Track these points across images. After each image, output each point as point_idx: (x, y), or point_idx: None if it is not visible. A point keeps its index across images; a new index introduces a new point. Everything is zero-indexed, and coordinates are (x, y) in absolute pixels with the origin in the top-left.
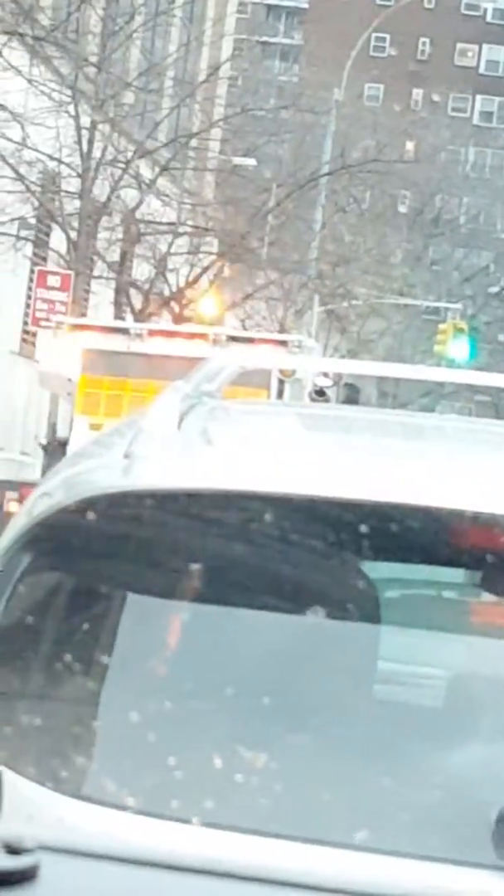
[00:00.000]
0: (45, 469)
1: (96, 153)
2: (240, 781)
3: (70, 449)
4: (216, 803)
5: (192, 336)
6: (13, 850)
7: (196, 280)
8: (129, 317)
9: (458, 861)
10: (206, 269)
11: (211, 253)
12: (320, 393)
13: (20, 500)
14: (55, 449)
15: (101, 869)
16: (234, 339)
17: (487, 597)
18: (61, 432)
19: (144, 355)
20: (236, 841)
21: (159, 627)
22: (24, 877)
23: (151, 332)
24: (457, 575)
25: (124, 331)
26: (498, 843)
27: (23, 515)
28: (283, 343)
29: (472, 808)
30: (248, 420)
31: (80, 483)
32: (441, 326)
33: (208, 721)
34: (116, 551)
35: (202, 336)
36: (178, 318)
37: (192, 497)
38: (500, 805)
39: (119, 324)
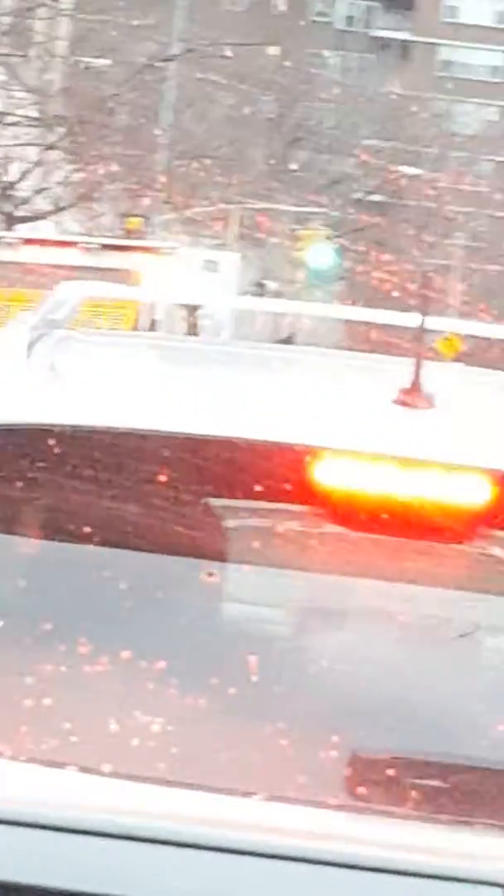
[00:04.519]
0: None
1: None
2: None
3: None
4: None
5: (64, 244)
6: None
7: (28, 175)
8: None
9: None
10: (37, 163)
11: (40, 145)
12: (191, 310)
13: None
14: None
15: (24, 835)
16: (107, 246)
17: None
18: None
19: (17, 264)
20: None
21: (5, 559)
22: None
23: (26, 241)
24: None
25: None
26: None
27: None
28: (156, 250)
29: (329, 743)
30: (94, 352)
31: None
32: (302, 233)
33: (54, 647)
34: None
35: (75, 245)
36: (10, 219)
37: (40, 432)
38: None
39: None
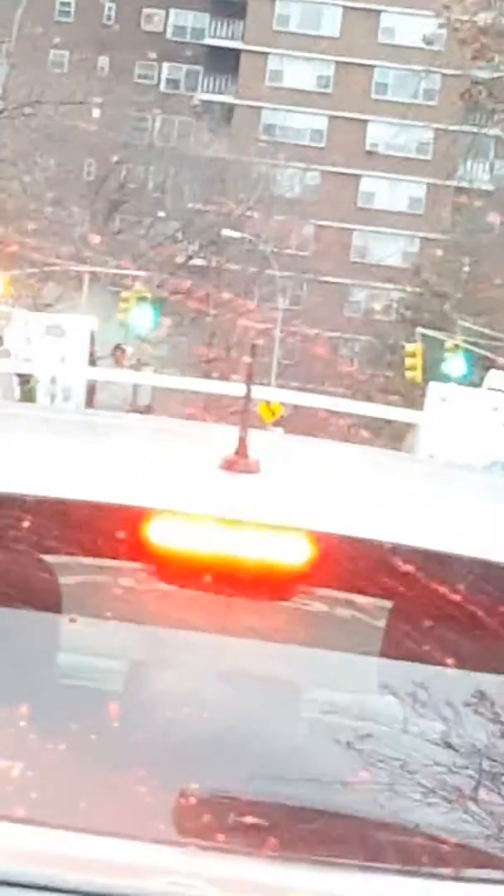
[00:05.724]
0: None
1: None
2: None
3: None
4: None
5: None
6: None
7: None
8: None
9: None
10: None
11: None
12: (24, 378)
13: None
14: None
15: None
16: None
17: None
18: None
19: None
20: None
21: None
22: None
23: None
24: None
25: None
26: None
27: None
28: None
29: (158, 786)
30: None
31: None
32: (123, 294)
33: None
34: None
35: None
36: None
37: None
38: (184, 783)
39: None
